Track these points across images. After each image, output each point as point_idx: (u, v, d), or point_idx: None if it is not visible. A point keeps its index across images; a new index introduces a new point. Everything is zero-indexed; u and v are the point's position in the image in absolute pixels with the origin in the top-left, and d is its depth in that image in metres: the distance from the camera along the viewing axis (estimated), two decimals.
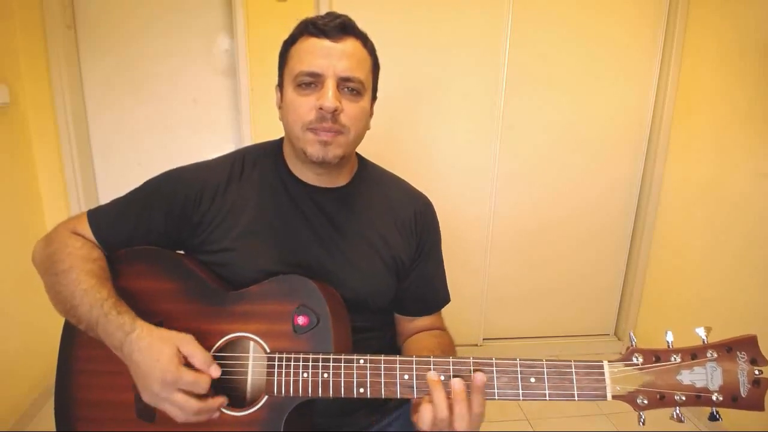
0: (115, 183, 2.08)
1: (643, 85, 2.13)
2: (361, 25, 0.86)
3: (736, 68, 1.76)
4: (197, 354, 0.70)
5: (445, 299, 0.99)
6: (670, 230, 2.12)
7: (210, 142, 2.08)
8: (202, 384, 0.69)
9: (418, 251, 0.93)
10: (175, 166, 0.90)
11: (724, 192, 1.79)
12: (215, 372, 0.70)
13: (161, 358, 0.68)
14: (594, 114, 2.14)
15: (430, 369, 0.68)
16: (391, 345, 0.99)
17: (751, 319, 1.65)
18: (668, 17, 2.06)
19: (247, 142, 1.96)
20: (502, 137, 2.11)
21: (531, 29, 2.01)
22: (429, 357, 0.69)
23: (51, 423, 0.82)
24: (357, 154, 0.96)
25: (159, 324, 0.77)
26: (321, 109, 0.77)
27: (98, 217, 0.85)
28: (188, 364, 0.70)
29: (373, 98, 0.88)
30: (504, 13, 1.98)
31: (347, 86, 0.79)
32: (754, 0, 1.68)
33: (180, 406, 0.68)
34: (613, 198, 2.26)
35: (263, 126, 1.95)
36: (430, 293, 0.97)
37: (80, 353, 0.81)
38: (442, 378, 0.68)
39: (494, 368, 0.67)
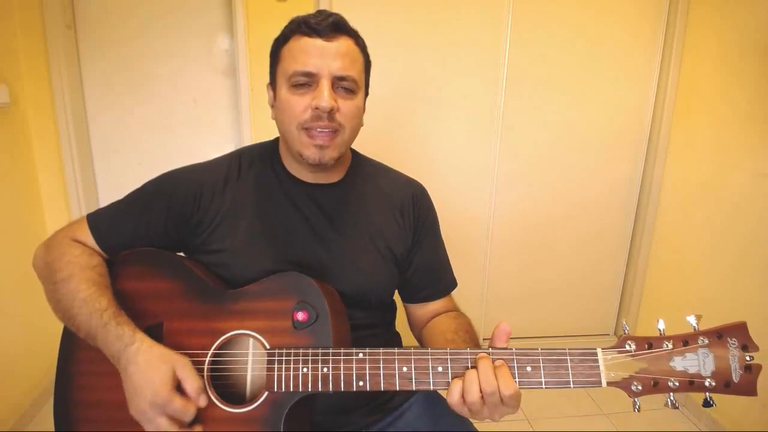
0: (115, 183, 2.08)
1: (643, 85, 2.14)
2: (361, 25, 0.86)
3: (736, 68, 1.76)
4: (191, 380, 0.70)
5: (453, 282, 0.99)
6: (670, 230, 2.12)
7: (210, 142, 2.08)
8: (189, 413, 0.69)
9: (416, 236, 0.93)
10: (175, 167, 0.90)
11: (724, 192, 1.79)
12: (202, 402, 0.71)
13: (155, 379, 0.68)
14: (594, 114, 2.14)
15: (428, 360, 0.68)
16: (392, 343, 0.99)
17: (751, 318, 1.62)
18: (668, 17, 2.06)
19: (247, 142, 1.96)
20: (502, 137, 2.11)
21: (531, 29, 2.01)
22: (427, 349, 0.69)
23: (51, 423, 0.82)
24: (350, 148, 0.96)
25: (159, 325, 0.77)
26: (317, 108, 0.77)
27: (98, 221, 0.86)
28: (180, 388, 0.70)
29: (365, 94, 0.88)
30: (504, 13, 1.98)
31: (342, 85, 0.79)
32: (754, 0, 1.69)
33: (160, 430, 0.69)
34: (613, 198, 2.26)
35: (263, 126, 1.95)
36: (436, 275, 0.97)
37: (80, 354, 0.81)
38: (440, 369, 0.68)
39: (491, 358, 0.67)
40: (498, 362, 0.66)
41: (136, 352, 0.70)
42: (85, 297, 0.74)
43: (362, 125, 0.89)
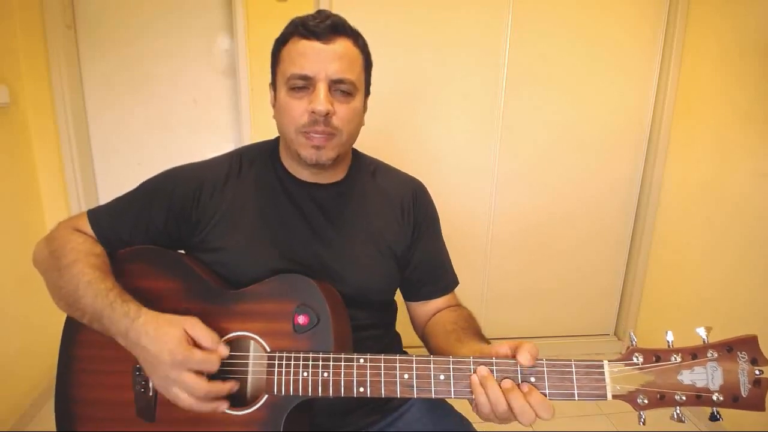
0: (115, 183, 2.07)
1: (643, 85, 2.13)
2: (362, 25, 0.85)
3: (736, 68, 1.76)
4: (205, 335, 0.70)
5: (455, 280, 0.99)
6: (670, 230, 2.12)
7: (210, 142, 2.08)
8: (213, 361, 0.69)
9: (416, 232, 0.93)
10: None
11: (724, 192, 1.79)
12: (224, 350, 0.70)
13: (169, 340, 0.68)
14: (594, 114, 2.14)
15: (430, 368, 0.68)
16: (393, 345, 0.99)
17: (751, 318, 1.65)
18: (668, 17, 2.06)
19: (247, 142, 1.96)
20: (502, 137, 2.10)
21: (531, 29, 2.01)
22: (429, 356, 0.69)
23: (51, 423, 0.82)
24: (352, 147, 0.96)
25: None
26: (313, 112, 0.77)
27: (98, 216, 0.86)
28: (197, 346, 0.70)
29: (367, 94, 0.88)
30: (504, 13, 1.98)
31: (339, 88, 0.79)
32: (754, 0, 1.68)
33: (190, 387, 0.68)
34: (613, 198, 2.26)
35: (263, 126, 1.95)
36: (437, 272, 0.97)
37: (80, 353, 0.81)
38: (442, 378, 0.67)
39: (494, 368, 0.66)
40: (506, 382, 0.65)
41: (144, 323, 0.70)
42: (90, 279, 0.75)
43: (363, 124, 0.89)
